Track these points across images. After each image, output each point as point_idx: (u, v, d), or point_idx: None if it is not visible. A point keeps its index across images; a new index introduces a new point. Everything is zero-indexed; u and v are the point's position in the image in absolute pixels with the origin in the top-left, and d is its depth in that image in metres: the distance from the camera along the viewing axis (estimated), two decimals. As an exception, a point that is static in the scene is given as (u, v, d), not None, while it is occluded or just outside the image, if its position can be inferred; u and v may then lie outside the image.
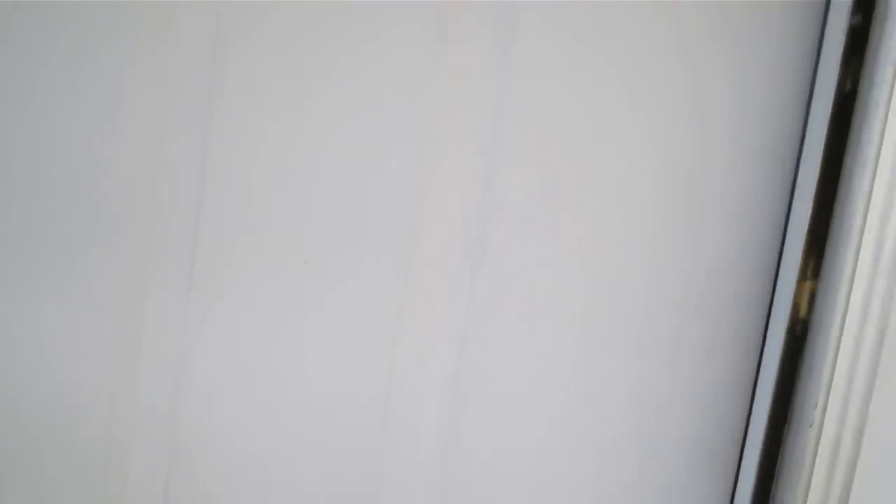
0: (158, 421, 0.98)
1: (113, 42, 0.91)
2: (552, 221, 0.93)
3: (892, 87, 0.78)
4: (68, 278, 0.95)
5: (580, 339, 0.94)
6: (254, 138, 0.92)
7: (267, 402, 0.97)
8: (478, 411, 0.97)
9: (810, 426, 0.84)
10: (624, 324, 0.94)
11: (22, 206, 0.94)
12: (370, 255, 0.94)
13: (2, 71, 0.92)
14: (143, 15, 0.90)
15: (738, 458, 0.94)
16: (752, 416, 0.91)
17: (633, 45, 0.89)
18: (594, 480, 0.97)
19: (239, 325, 0.96)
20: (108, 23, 0.91)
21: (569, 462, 0.97)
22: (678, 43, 0.89)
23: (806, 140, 0.87)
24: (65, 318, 0.96)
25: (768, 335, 0.90)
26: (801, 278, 0.85)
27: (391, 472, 0.98)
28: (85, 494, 1.00)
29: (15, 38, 0.91)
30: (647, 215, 0.92)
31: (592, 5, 0.89)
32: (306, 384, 0.97)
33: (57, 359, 0.97)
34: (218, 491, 1.00)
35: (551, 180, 0.92)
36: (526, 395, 0.96)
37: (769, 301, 0.91)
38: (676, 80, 0.90)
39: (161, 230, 0.94)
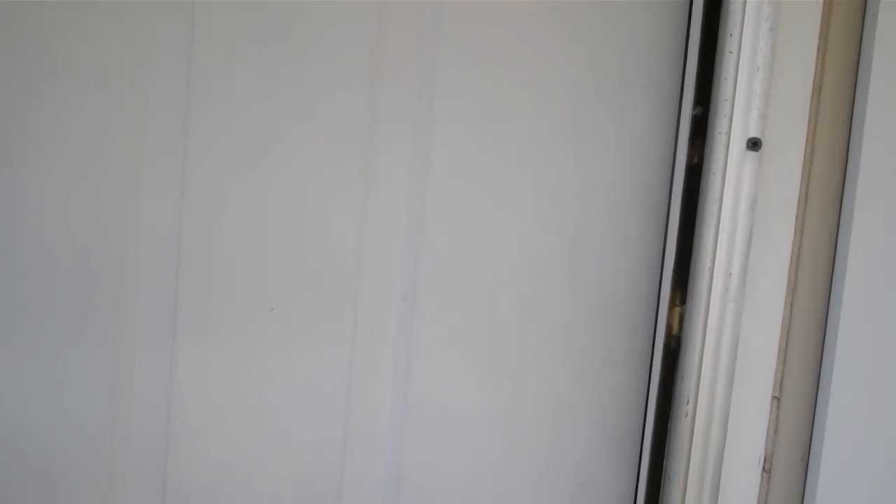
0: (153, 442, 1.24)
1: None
2: (476, 268, 1.20)
3: (726, 169, 1.06)
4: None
5: (512, 358, 1.22)
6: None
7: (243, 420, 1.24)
8: (424, 421, 1.24)
9: (685, 416, 1.12)
10: (545, 346, 1.21)
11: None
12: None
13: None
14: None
15: (639, 442, 1.22)
16: (647, 412, 1.20)
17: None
18: (523, 472, 1.25)
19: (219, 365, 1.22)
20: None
21: (502, 457, 1.24)
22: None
23: (671, 202, 1.15)
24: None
25: (655, 350, 1.18)
26: (672, 305, 1.13)
27: (352, 472, 1.24)
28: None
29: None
30: (559, 269, 1.20)
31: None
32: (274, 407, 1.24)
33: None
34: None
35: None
36: (464, 406, 1.23)
37: (654, 324, 1.19)
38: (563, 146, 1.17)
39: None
